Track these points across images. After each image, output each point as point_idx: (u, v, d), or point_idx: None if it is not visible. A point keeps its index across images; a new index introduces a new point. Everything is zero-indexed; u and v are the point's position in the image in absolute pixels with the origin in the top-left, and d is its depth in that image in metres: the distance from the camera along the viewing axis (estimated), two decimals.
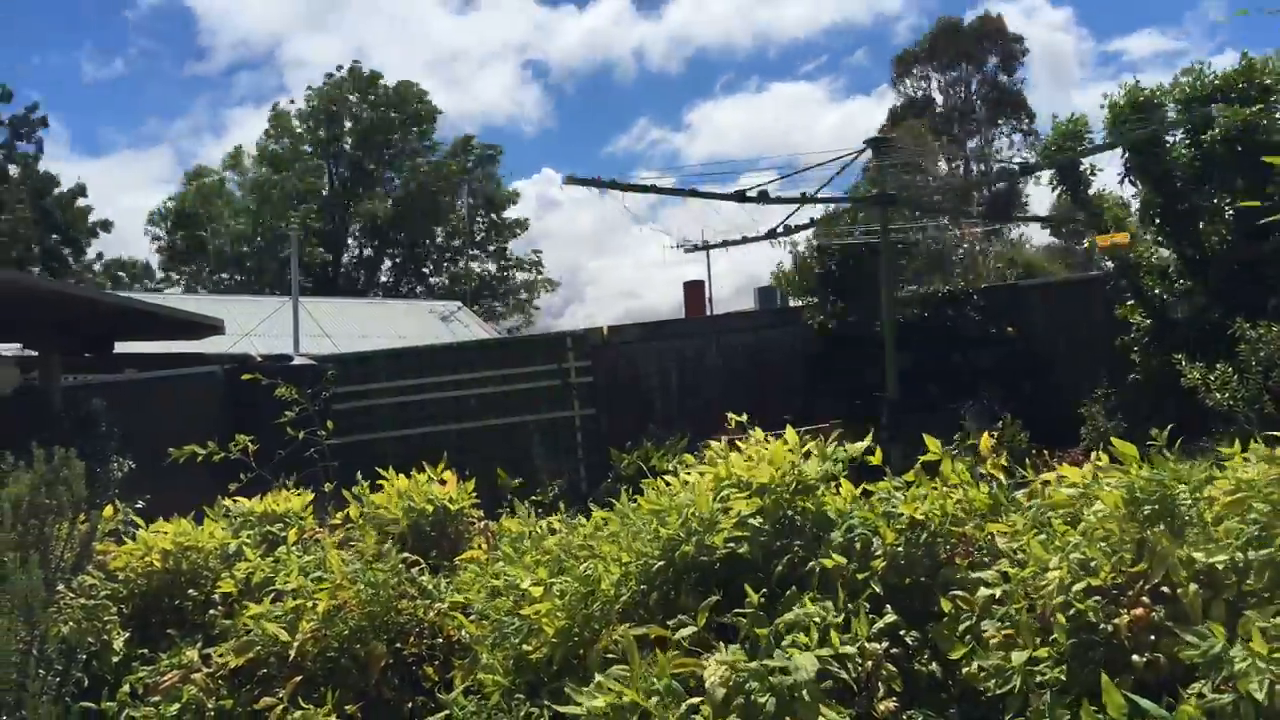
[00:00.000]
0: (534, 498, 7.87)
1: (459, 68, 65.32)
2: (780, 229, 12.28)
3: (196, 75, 64.31)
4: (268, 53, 69.25)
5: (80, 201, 37.86)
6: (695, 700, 2.91)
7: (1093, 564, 2.89)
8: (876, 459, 3.91)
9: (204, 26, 66.13)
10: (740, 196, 11.23)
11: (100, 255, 39.97)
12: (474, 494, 5.54)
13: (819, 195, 11.66)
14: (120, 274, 40.62)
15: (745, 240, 12.22)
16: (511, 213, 44.59)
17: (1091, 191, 11.58)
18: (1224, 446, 3.26)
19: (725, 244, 12.29)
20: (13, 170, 36.41)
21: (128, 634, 4.78)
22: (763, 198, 11.22)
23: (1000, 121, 44.38)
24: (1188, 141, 10.53)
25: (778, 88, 70.26)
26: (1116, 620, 2.74)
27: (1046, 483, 3.61)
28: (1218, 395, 9.06)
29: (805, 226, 12.48)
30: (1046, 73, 62.81)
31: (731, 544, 3.51)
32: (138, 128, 67.05)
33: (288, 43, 67.90)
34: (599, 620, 3.53)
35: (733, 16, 69.01)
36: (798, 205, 11.68)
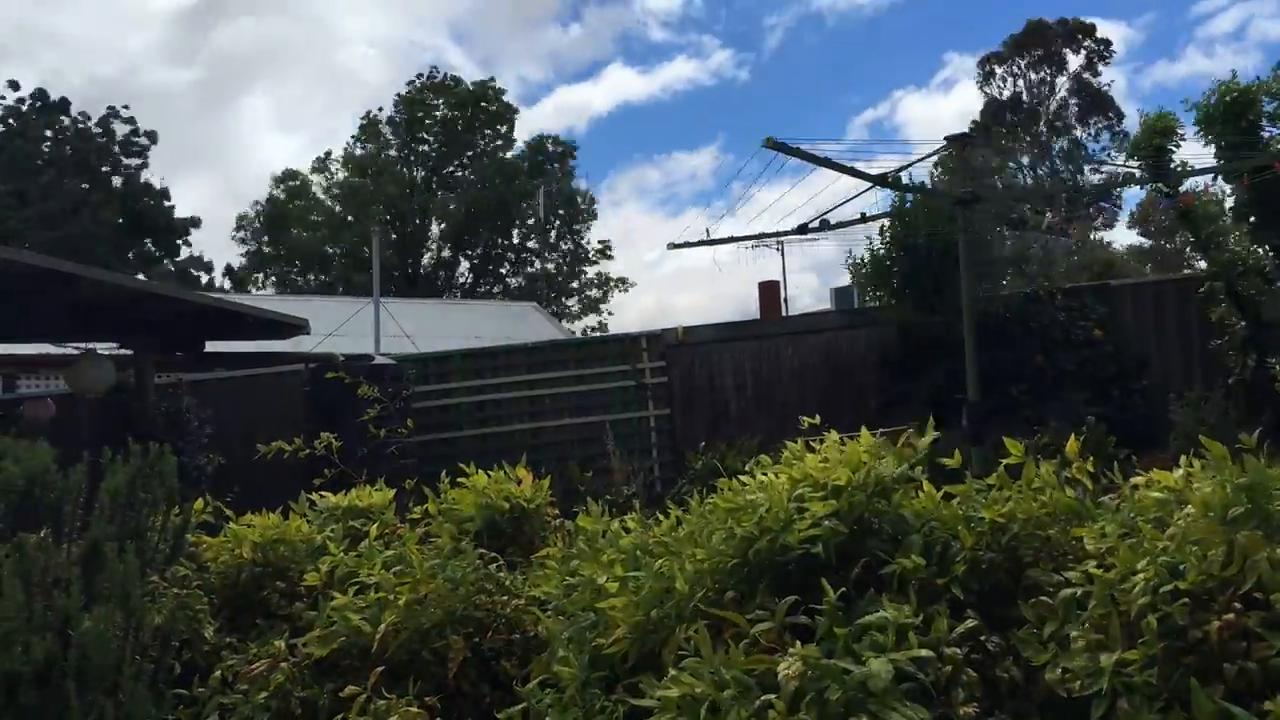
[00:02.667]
0: (608, 496, 7.93)
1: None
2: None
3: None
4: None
5: (166, 203, 39.22)
6: (769, 696, 2.91)
7: (1181, 568, 2.81)
8: (956, 461, 3.84)
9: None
10: (803, 230, 11.17)
11: (189, 257, 41.28)
12: (549, 492, 5.61)
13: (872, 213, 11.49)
14: (204, 275, 41.90)
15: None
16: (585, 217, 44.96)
17: (1183, 188, 11.20)
18: None
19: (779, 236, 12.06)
20: (116, 182, 37.93)
21: (218, 624, 4.94)
22: (824, 226, 11.12)
23: (1090, 121, 43.38)
24: None
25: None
26: (1206, 626, 2.67)
27: (1136, 486, 3.52)
28: None
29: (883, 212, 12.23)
30: (1138, 74, 60.99)
31: (807, 544, 3.49)
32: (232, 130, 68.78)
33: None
34: (673, 618, 3.54)
35: None
36: (852, 224, 11.48)
